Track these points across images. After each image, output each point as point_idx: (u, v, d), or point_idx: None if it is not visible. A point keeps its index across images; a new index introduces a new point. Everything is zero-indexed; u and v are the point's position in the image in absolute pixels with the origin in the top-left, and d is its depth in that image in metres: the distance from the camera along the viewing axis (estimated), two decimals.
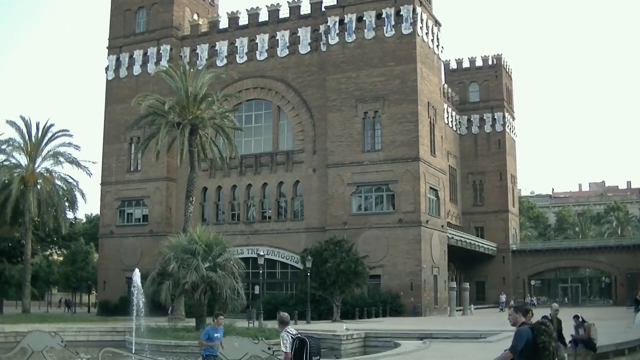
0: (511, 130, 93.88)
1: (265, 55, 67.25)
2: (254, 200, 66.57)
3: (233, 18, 69.60)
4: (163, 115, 50.92)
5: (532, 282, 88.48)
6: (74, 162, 62.26)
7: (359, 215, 60.38)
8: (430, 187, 61.54)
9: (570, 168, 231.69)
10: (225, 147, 55.20)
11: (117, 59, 72.45)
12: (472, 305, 69.16)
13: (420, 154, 59.04)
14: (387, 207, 59.77)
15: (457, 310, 61.13)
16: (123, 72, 72.12)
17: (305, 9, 66.97)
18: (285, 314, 14.27)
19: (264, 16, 68.44)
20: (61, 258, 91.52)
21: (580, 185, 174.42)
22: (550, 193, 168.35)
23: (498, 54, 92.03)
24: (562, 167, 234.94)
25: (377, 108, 60.69)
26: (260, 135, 67.38)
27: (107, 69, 73.21)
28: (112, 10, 74.53)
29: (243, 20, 69.29)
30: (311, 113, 64.51)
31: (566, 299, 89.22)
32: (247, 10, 69.09)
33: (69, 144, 62.55)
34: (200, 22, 71.56)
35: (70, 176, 63.71)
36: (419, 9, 61.36)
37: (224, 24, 70.26)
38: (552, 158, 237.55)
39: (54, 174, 62.31)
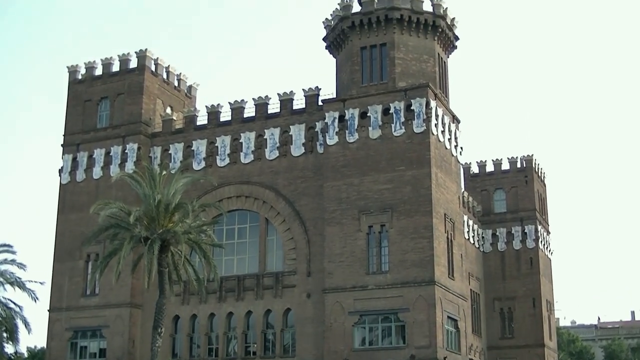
0: (545, 246, 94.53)
1: (251, 157, 68.82)
2: (235, 331, 66.59)
3: (213, 113, 71.51)
4: (127, 228, 51.57)
5: None
6: (17, 283, 62.44)
7: (362, 350, 60.41)
8: (449, 317, 61.84)
9: (620, 292, 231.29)
10: (202, 268, 55.84)
11: (74, 159, 73.92)
12: None
13: (435, 276, 59.59)
14: (396, 340, 59.88)
15: None
16: (80, 175, 73.38)
17: (299, 102, 69.04)
18: None
19: (250, 111, 70.41)
20: None
21: (633, 313, 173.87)
22: (596, 323, 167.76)
23: (528, 155, 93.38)
24: (610, 291, 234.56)
25: (385, 221, 61.72)
26: (245, 253, 68.06)
27: (61, 170, 74.52)
28: (69, 100, 76.52)
29: (225, 115, 71.27)
30: (305, 227, 65.52)
31: None
32: (230, 103, 71.12)
33: (12, 262, 62.77)
34: (175, 117, 73.53)
35: (11, 301, 63.59)
36: (433, 103, 63.34)
37: (202, 119, 72.13)
38: (597, 280, 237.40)
39: None
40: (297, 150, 67.49)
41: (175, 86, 77.82)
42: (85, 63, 76.82)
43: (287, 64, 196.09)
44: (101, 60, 76.36)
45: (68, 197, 73.62)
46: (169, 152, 71.64)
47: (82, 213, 69.15)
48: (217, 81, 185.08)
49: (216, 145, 70.25)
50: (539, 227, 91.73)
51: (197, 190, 66.17)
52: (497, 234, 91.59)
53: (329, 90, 68.38)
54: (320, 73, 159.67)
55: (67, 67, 77.65)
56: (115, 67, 75.63)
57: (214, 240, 57.13)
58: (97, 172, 72.63)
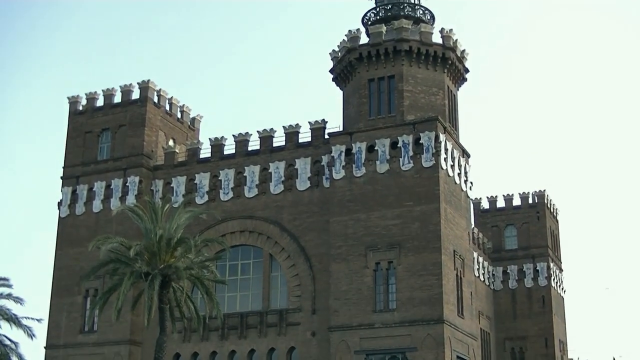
0: (558, 284, 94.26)
1: (256, 191, 68.97)
2: None
3: (217, 145, 71.71)
4: (128, 263, 51.57)
5: None
6: (12, 320, 62.10)
7: None
8: (458, 356, 61.38)
9: (637, 332, 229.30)
10: (205, 304, 55.53)
11: (74, 192, 74.30)
12: None
13: (444, 315, 59.27)
14: None
15: None
16: (80, 208, 73.66)
17: (305, 136, 69.31)
18: None
19: (254, 144, 70.77)
20: None
21: None
22: None
23: (540, 191, 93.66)
24: (627, 329, 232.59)
25: (392, 258, 61.56)
26: (248, 289, 67.94)
27: (60, 203, 74.73)
28: (69, 131, 76.81)
29: (229, 148, 71.60)
30: (310, 263, 65.48)
31: None
32: (234, 136, 71.38)
33: (9, 296, 62.56)
34: (177, 150, 73.81)
35: (7, 337, 63.26)
36: (442, 137, 63.38)
37: (205, 152, 72.43)
38: (613, 318, 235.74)
39: None
40: (302, 184, 67.67)
41: (178, 118, 78.26)
42: (86, 94, 77.36)
43: (292, 96, 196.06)
44: (102, 91, 76.84)
45: (67, 230, 73.80)
46: (171, 185, 71.81)
47: (81, 247, 68.99)
48: (221, 113, 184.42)
49: (219, 178, 70.48)
50: (552, 265, 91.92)
51: (199, 225, 66.20)
52: (508, 271, 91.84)
53: (335, 123, 68.77)
54: (326, 105, 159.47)
55: (68, 97, 78.19)
56: (117, 98, 76.03)
57: (217, 276, 56.85)
58: (97, 205, 72.84)
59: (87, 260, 65.06)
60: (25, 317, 63.45)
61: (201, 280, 53.65)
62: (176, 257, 52.19)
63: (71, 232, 73.29)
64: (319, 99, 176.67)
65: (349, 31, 68.36)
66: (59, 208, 74.85)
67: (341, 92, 70.61)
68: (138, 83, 75.37)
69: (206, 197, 70.39)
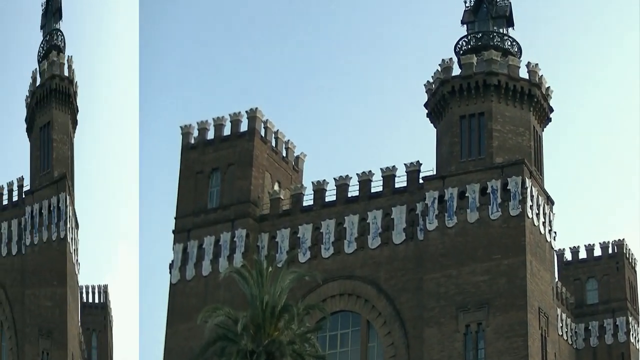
0: (638, 340, 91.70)
1: (354, 246, 67.45)
2: None
3: (319, 191, 70.91)
4: (235, 340, 50.11)
5: None
6: None
7: None
8: None
9: None
10: None
11: (184, 250, 70.47)
12: None
13: None
14: None
15: None
16: (190, 272, 70.13)
17: (401, 180, 69.13)
18: None
19: (353, 189, 70.29)
20: None
21: None
22: None
23: (619, 240, 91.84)
24: None
25: (481, 318, 60.62)
26: None
27: (171, 266, 71.06)
28: (181, 170, 73.97)
29: (330, 193, 71.22)
30: (405, 329, 63.40)
31: None
32: (335, 179, 70.76)
33: None
34: (282, 196, 72.37)
35: None
36: (528, 182, 62.54)
37: (308, 198, 71.79)
38: None
39: None
40: (398, 236, 66.58)
41: (283, 156, 76.80)
42: (197, 123, 76.43)
43: (388, 131, 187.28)
44: (213, 120, 75.82)
45: (177, 301, 70.65)
46: (276, 240, 70.24)
47: (190, 322, 65.26)
48: (316, 149, 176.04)
49: (321, 231, 69.14)
50: (630, 319, 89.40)
51: (301, 288, 63.98)
52: (590, 327, 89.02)
53: (429, 162, 69.21)
54: (421, 140, 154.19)
55: (181, 127, 76.96)
56: (227, 130, 75.36)
57: (319, 351, 55.16)
58: (206, 267, 69.81)
59: (196, 338, 61.49)
60: None
61: (302, 356, 52.39)
62: (280, 330, 51.74)
63: (182, 304, 69.62)
64: (413, 133, 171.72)
65: (442, 60, 68.55)
66: (170, 272, 71.19)
67: (434, 129, 70.69)
68: (246, 112, 74.52)
69: (308, 254, 68.91)
